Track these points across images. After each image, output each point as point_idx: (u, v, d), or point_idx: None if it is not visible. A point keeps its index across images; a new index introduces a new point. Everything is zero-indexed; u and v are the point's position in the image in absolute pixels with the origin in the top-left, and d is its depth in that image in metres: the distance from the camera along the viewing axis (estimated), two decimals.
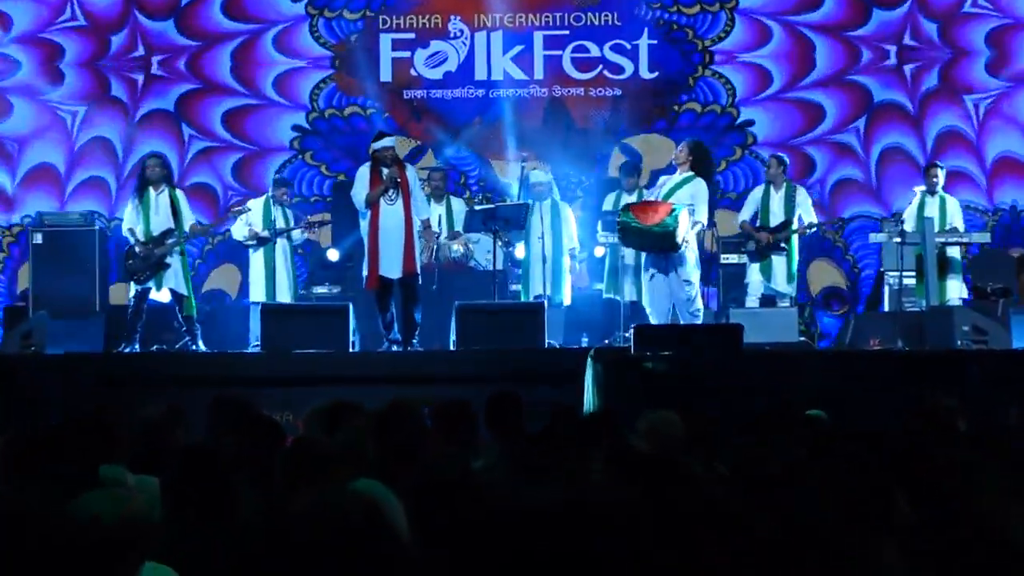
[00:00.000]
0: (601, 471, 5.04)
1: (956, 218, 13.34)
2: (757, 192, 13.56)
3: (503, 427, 7.12)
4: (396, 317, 11.99)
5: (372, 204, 11.77)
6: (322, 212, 15.21)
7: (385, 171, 11.76)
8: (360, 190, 11.87)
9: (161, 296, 12.61)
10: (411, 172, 12.07)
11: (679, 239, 11.52)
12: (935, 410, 7.98)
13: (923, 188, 13.52)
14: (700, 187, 11.83)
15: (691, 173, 11.90)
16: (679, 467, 4.49)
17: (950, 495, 4.16)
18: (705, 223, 11.98)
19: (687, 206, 11.61)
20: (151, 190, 12.57)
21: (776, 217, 13.32)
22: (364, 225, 11.93)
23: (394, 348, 11.88)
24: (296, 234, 13.66)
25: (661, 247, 11.74)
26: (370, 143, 12.10)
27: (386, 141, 11.98)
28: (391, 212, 11.78)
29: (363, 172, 11.97)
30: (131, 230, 12.57)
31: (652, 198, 12.05)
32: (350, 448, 5.59)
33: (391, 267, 11.80)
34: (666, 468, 4.47)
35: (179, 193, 12.82)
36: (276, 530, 3.36)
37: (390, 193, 11.77)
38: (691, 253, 11.82)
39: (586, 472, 5.12)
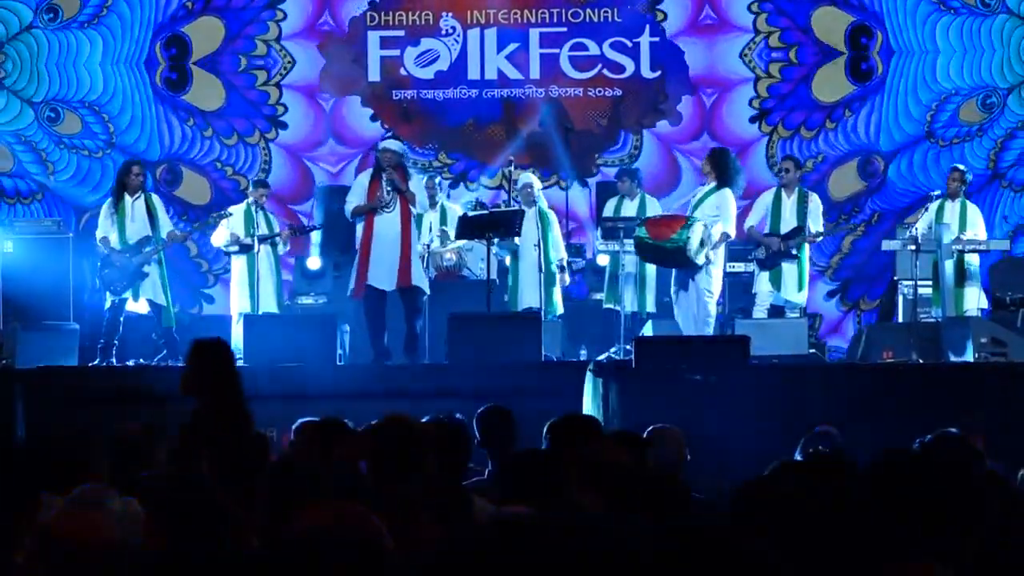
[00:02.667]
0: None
1: (976, 225, 13.07)
2: (767, 196, 13.13)
3: (495, 443, 7.04)
4: (394, 333, 11.69)
5: (365, 215, 11.42)
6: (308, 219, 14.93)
7: (384, 177, 11.39)
8: (354, 199, 11.65)
9: (139, 307, 12.36)
10: (415, 181, 11.81)
11: (692, 254, 11.65)
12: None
13: (939, 192, 13.28)
14: (725, 197, 11.97)
15: (715, 184, 12.06)
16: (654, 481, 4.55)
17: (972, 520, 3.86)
18: (732, 233, 12.08)
19: (713, 218, 11.79)
20: (127, 197, 12.31)
21: (788, 224, 12.92)
22: (359, 230, 11.70)
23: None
24: (280, 242, 13.27)
25: (675, 263, 12.00)
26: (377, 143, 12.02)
27: (390, 143, 11.66)
28: (387, 220, 11.51)
29: (362, 179, 11.80)
30: (105, 239, 12.32)
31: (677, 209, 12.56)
32: (342, 468, 5.54)
33: (382, 278, 11.46)
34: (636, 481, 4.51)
35: (156, 199, 12.62)
36: (267, 555, 3.29)
37: (387, 201, 11.40)
38: (716, 267, 11.90)
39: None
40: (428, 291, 11.82)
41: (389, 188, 11.44)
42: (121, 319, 12.22)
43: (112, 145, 15.33)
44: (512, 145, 15.08)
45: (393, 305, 11.76)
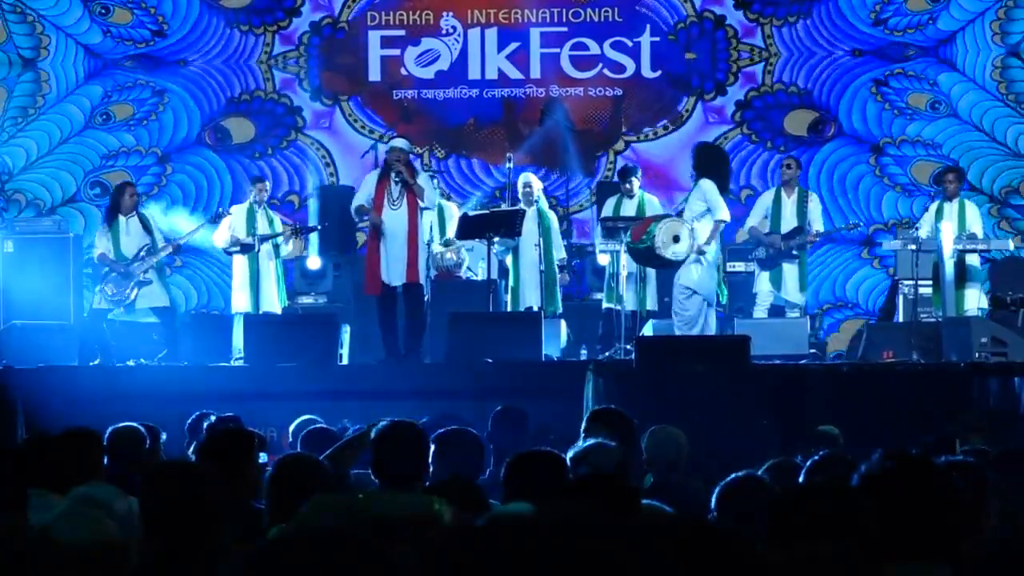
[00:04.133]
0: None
1: (975, 225, 13.04)
2: (767, 196, 13.15)
3: (506, 442, 7.09)
4: (400, 331, 11.67)
5: (369, 213, 11.51)
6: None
7: (392, 174, 11.44)
8: (361, 197, 11.70)
9: (139, 317, 12.53)
10: (423, 178, 11.82)
11: (661, 251, 11.63)
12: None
13: (938, 192, 13.28)
14: (703, 188, 11.87)
15: (696, 178, 11.99)
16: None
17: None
18: (727, 217, 11.97)
19: (702, 213, 11.74)
20: (120, 217, 12.58)
21: (788, 223, 12.91)
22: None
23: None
24: (282, 242, 13.25)
25: (652, 263, 12.13)
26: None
27: (398, 142, 11.70)
28: (396, 217, 11.51)
29: (369, 179, 11.83)
30: (103, 255, 12.53)
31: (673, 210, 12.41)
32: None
33: (393, 273, 11.48)
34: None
35: (147, 214, 12.87)
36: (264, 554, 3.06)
37: (394, 199, 11.37)
38: (702, 264, 11.76)
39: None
40: (428, 292, 11.83)
41: (398, 181, 11.47)
42: (104, 326, 12.38)
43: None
44: (527, 142, 15.08)
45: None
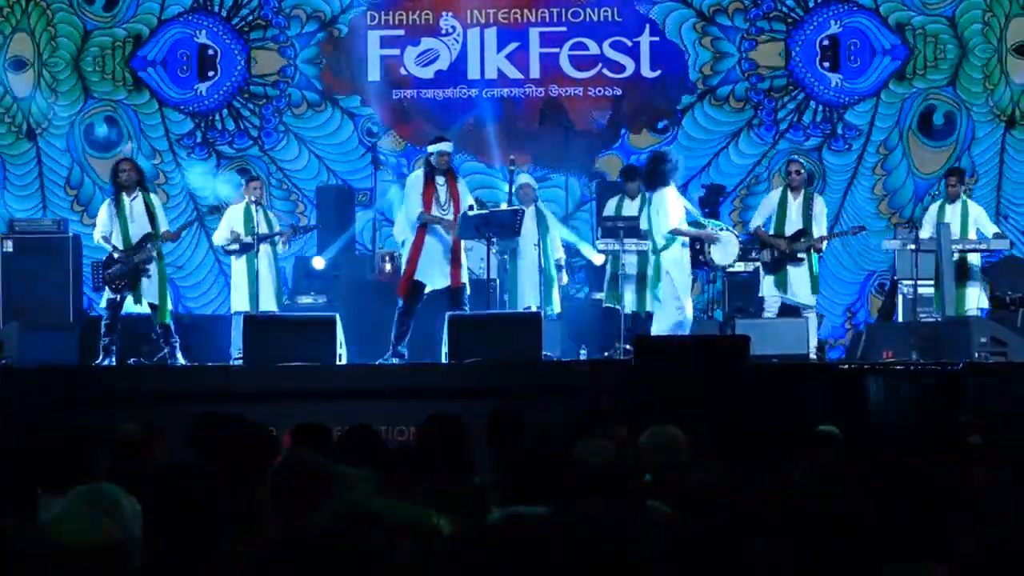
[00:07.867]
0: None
1: (982, 223, 13.04)
2: (773, 197, 13.10)
3: (505, 443, 7.01)
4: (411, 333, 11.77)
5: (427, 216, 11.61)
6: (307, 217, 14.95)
7: (440, 179, 11.54)
8: (414, 200, 11.66)
9: (141, 307, 12.32)
10: (461, 184, 11.94)
11: None
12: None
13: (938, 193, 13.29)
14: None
15: None
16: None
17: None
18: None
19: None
20: (125, 196, 12.26)
21: (793, 225, 12.88)
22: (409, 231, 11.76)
23: (394, 361, 11.66)
24: (279, 240, 13.24)
25: None
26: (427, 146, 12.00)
27: (443, 146, 11.76)
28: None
29: (415, 179, 11.82)
30: (105, 238, 12.28)
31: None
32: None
33: (436, 277, 11.66)
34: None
35: (154, 198, 12.59)
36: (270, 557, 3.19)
37: (443, 203, 11.57)
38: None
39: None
40: (469, 290, 11.93)
41: (445, 184, 11.55)
42: (119, 316, 12.18)
43: None
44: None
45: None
